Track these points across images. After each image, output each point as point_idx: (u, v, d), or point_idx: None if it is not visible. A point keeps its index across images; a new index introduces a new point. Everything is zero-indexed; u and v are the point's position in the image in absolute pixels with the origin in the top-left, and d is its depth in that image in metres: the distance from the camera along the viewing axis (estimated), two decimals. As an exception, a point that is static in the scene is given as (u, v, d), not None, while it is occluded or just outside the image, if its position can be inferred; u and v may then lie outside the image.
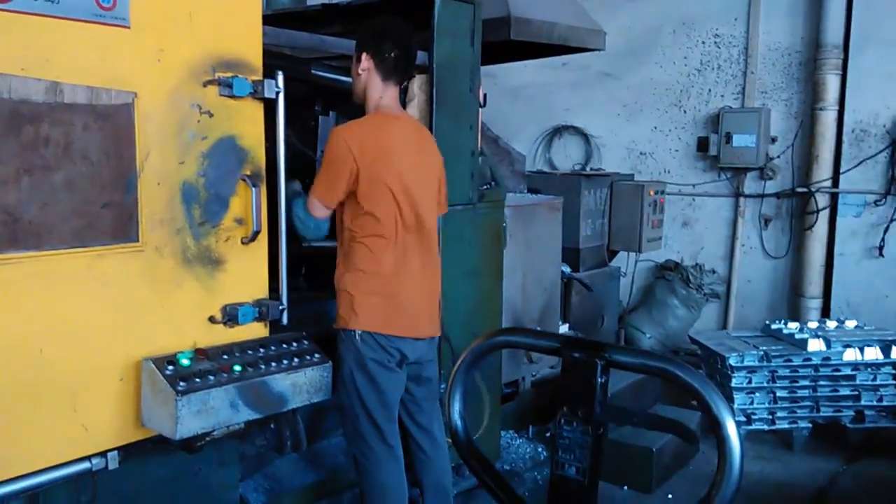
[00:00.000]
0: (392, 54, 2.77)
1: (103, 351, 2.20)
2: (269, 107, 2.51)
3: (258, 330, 2.56)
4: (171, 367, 2.24)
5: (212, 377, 2.28)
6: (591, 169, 6.56)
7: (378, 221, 2.72)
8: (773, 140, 6.12)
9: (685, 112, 6.56)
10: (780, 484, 4.02)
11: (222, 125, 2.40)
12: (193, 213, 2.35)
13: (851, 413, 4.44)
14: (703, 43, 6.42)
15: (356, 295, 2.73)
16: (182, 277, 2.35)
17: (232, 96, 2.37)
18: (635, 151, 6.82)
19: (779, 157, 6.11)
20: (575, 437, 1.21)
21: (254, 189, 2.45)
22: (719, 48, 6.36)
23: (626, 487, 3.87)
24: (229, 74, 2.37)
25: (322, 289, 3.41)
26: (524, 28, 4.29)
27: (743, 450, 1.13)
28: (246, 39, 2.44)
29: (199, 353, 2.34)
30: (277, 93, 2.46)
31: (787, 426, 4.44)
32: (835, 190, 5.76)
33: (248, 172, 2.47)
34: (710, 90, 6.43)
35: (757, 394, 4.41)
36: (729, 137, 6.12)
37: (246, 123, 2.46)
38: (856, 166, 5.65)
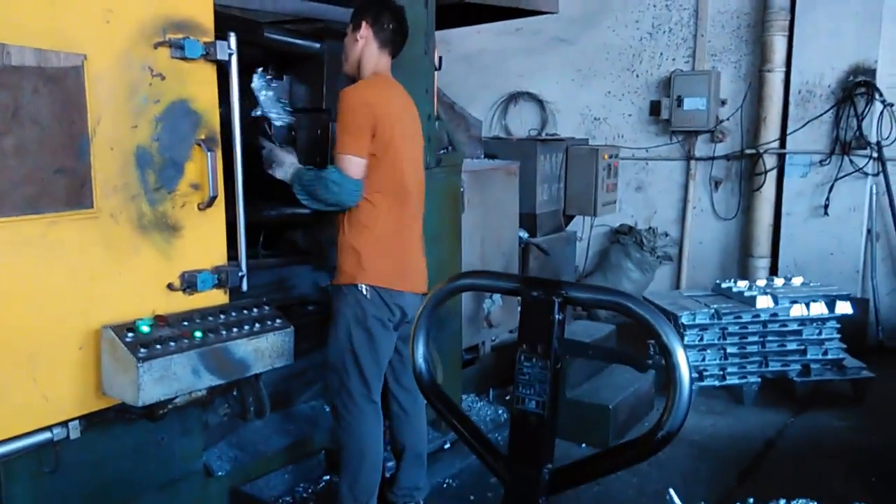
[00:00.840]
0: (390, 26, 2.87)
1: (61, 319, 2.16)
2: (222, 69, 2.47)
3: (218, 297, 2.55)
4: (130, 335, 2.21)
5: (172, 343, 2.26)
6: (547, 134, 6.61)
7: (384, 179, 2.80)
8: (723, 103, 6.24)
9: (637, 76, 6.63)
10: (732, 437, 4.16)
11: (175, 88, 2.35)
12: (148, 179, 2.31)
13: (798, 367, 4.61)
14: (655, 6, 6.47)
15: (363, 251, 2.79)
16: (139, 244, 2.32)
17: (184, 58, 2.33)
18: (589, 117, 6.87)
19: (728, 119, 6.23)
20: (534, 372, 1.25)
21: (209, 153, 2.42)
22: (670, 11, 6.42)
23: (584, 445, 3.96)
24: (180, 36, 2.32)
25: (281, 255, 3.41)
26: (478, -10, 4.26)
27: (692, 375, 1.18)
28: (197, 0, 2.38)
29: (158, 320, 2.32)
30: (230, 55, 2.42)
31: (737, 381, 4.59)
32: (782, 151, 5.90)
33: (203, 136, 2.43)
34: (661, 54, 6.50)
35: (708, 350, 4.55)
36: (680, 101, 6.21)
37: (199, 86, 2.41)
38: (802, 127, 5.78)
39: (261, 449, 3.11)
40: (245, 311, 2.56)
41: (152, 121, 2.30)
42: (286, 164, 2.81)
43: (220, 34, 2.43)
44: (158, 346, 2.23)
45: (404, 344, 2.97)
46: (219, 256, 2.55)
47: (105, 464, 2.47)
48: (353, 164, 2.72)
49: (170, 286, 2.40)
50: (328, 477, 3.26)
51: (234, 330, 2.45)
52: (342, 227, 2.84)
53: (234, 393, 2.77)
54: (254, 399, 2.72)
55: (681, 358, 1.18)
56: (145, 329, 2.26)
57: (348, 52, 2.90)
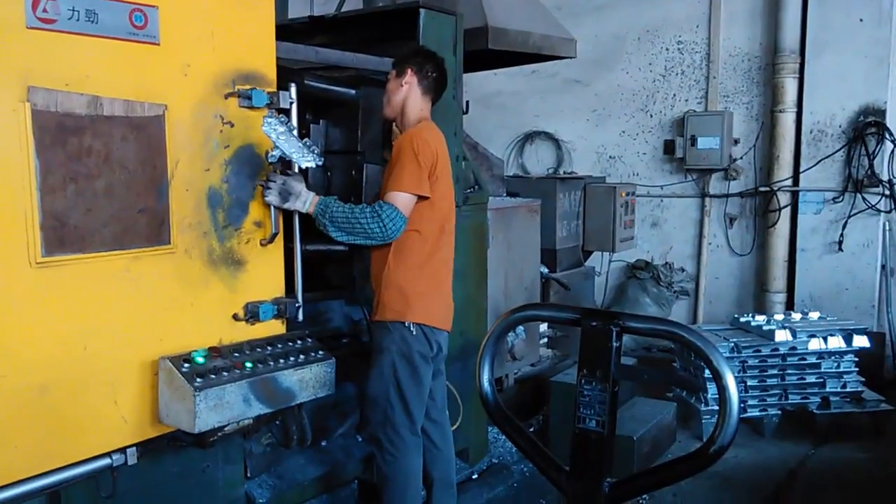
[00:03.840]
0: (433, 74, 3.05)
1: (139, 347, 2.33)
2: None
3: (276, 327, 2.71)
4: (187, 365, 2.34)
5: (226, 373, 2.38)
6: (564, 172, 6.77)
7: (432, 219, 2.94)
8: (736, 142, 6.39)
9: (651, 116, 6.81)
10: (754, 468, 4.22)
11: (242, 134, 2.55)
12: (218, 217, 2.50)
13: (818, 400, 4.68)
14: (667, 49, 6.68)
15: (410, 289, 2.91)
16: (209, 277, 2.49)
17: (251, 107, 2.52)
18: (605, 155, 7.04)
19: (741, 158, 6.38)
20: (594, 394, 1.37)
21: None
22: (682, 54, 6.62)
23: (608, 479, 4.03)
24: (248, 87, 2.52)
25: (315, 290, 3.54)
26: (501, 37, 4.47)
27: (739, 397, 1.29)
28: (261, 54, 2.60)
29: (212, 351, 2.45)
30: (291, 103, 2.64)
31: (758, 413, 4.66)
32: (795, 188, 6.03)
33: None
34: (674, 95, 6.69)
35: (729, 383, 4.62)
36: (694, 140, 6.37)
37: (263, 132, 2.61)
38: (814, 165, 5.92)
39: (298, 478, 3.20)
40: (290, 343, 2.69)
41: (222, 164, 2.50)
42: (302, 195, 2.73)
43: (280, 84, 2.63)
44: (213, 376, 2.35)
45: (433, 378, 3.08)
46: (278, 289, 2.71)
47: (155, 490, 2.58)
48: (407, 201, 2.83)
49: (234, 316, 2.57)
50: (362, 506, 3.36)
51: (281, 361, 2.57)
52: (387, 263, 2.95)
53: (277, 422, 2.88)
54: (297, 428, 2.83)
55: (730, 380, 1.29)
56: (200, 360, 2.39)
57: (391, 96, 3.05)
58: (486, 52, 4.62)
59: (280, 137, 2.55)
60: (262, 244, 2.63)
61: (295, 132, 2.62)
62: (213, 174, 2.47)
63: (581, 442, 1.38)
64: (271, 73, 2.62)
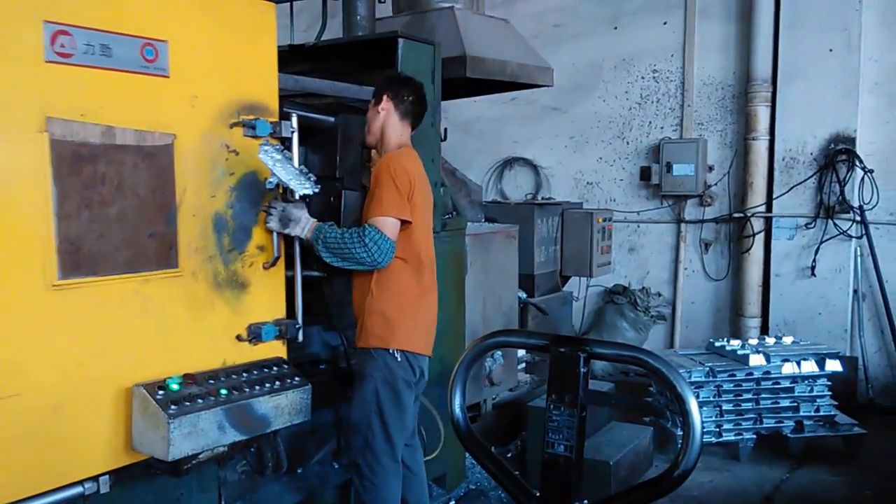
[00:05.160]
0: (409, 98, 3.07)
1: (147, 368, 2.41)
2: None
3: (277, 348, 2.79)
4: (161, 392, 2.34)
5: (200, 400, 2.39)
6: (542, 198, 6.83)
7: (413, 243, 2.95)
8: (711, 168, 6.50)
9: (628, 143, 6.91)
10: (730, 492, 4.26)
11: (246, 162, 2.67)
12: (223, 242, 2.61)
13: (792, 423, 4.73)
14: (643, 78, 6.80)
15: (393, 315, 2.93)
16: (214, 300, 2.60)
17: (254, 136, 2.64)
18: (582, 181, 7.13)
19: (716, 184, 6.49)
20: (562, 419, 1.39)
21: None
22: (658, 83, 6.74)
23: (585, 501, 4.04)
24: (252, 117, 2.65)
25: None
26: (478, 66, 4.54)
27: (702, 421, 1.32)
28: (264, 85, 2.72)
29: (187, 378, 2.45)
30: (292, 132, 2.77)
31: (733, 438, 4.70)
32: (769, 214, 6.14)
33: (267, 204, 2.75)
34: (650, 122, 6.80)
35: (704, 408, 4.66)
36: (669, 167, 6.47)
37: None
38: (787, 192, 6.03)
39: (274, 505, 3.18)
40: (266, 370, 2.70)
41: (227, 191, 2.63)
42: (302, 221, 2.79)
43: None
44: (188, 403, 2.35)
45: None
46: (279, 310, 2.82)
47: (128, 519, 2.55)
48: (391, 226, 2.86)
49: (238, 337, 2.67)
50: (338, 533, 3.34)
51: (257, 388, 2.58)
52: (369, 290, 2.96)
53: (252, 449, 2.87)
54: (272, 455, 2.82)
55: (693, 405, 1.31)
56: (175, 387, 2.39)
57: (371, 123, 3.10)
58: (465, 80, 4.68)
59: (276, 165, 2.60)
60: (264, 267, 2.75)
61: (292, 160, 2.69)
62: (218, 200, 2.59)
63: (550, 466, 1.40)
64: (273, 103, 2.74)
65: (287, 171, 2.64)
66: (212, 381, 2.50)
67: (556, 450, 1.39)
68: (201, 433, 2.36)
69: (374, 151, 3.21)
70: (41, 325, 2.14)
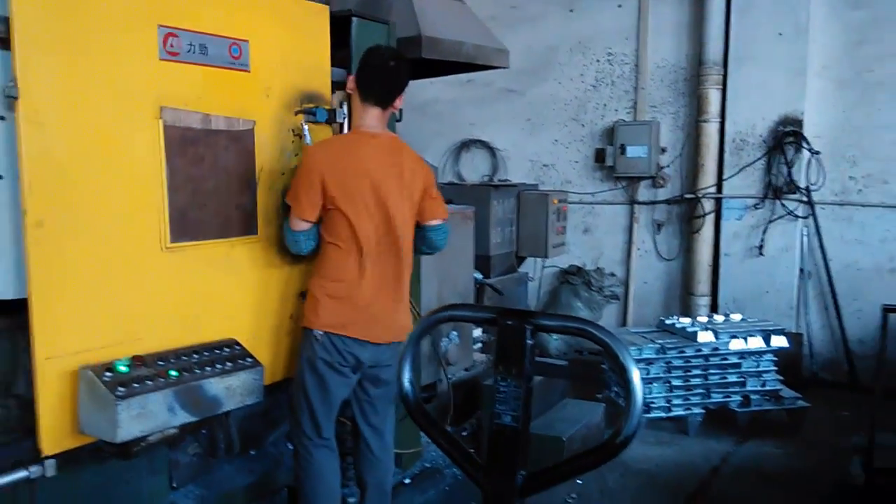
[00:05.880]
0: (369, 77, 2.93)
1: (237, 322, 2.88)
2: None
3: None
4: (109, 374, 2.32)
5: (149, 382, 2.37)
6: (498, 180, 6.87)
7: (345, 230, 2.87)
8: (663, 150, 6.60)
9: (583, 126, 6.97)
10: (679, 465, 4.37)
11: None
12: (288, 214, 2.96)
13: (739, 398, 4.87)
14: (598, 61, 6.86)
15: (319, 297, 2.90)
16: (282, 263, 3.06)
17: (314, 122, 3.10)
18: (538, 163, 7.18)
19: (668, 166, 6.59)
20: (509, 390, 1.42)
21: None
22: (612, 66, 6.81)
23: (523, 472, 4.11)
24: (312, 105, 3.09)
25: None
26: (434, 47, 4.52)
27: (643, 390, 1.36)
28: (320, 77, 3.18)
29: (135, 360, 2.43)
30: (344, 117, 3.20)
31: (682, 413, 4.82)
32: (719, 195, 6.26)
33: None
34: (605, 105, 6.87)
35: (654, 384, 4.77)
36: (623, 149, 6.55)
37: None
38: (737, 173, 6.15)
39: (226, 488, 3.17)
40: (217, 351, 2.69)
41: (292, 170, 3.03)
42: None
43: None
44: (136, 385, 2.33)
45: (372, 385, 3.07)
46: None
47: (76, 503, 2.54)
48: (293, 221, 2.90)
49: (301, 295, 3.06)
50: (292, 513, 3.35)
51: (207, 368, 2.57)
52: (312, 272, 3.00)
53: (204, 431, 2.86)
54: (224, 436, 2.82)
55: (634, 375, 1.35)
56: (123, 368, 2.37)
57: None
58: (421, 61, 4.66)
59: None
60: None
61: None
62: (286, 177, 3.03)
63: (497, 437, 1.43)
64: (328, 93, 3.21)
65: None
66: (161, 363, 2.49)
67: (504, 420, 1.42)
68: (150, 415, 2.35)
69: None
70: (157, 281, 2.58)
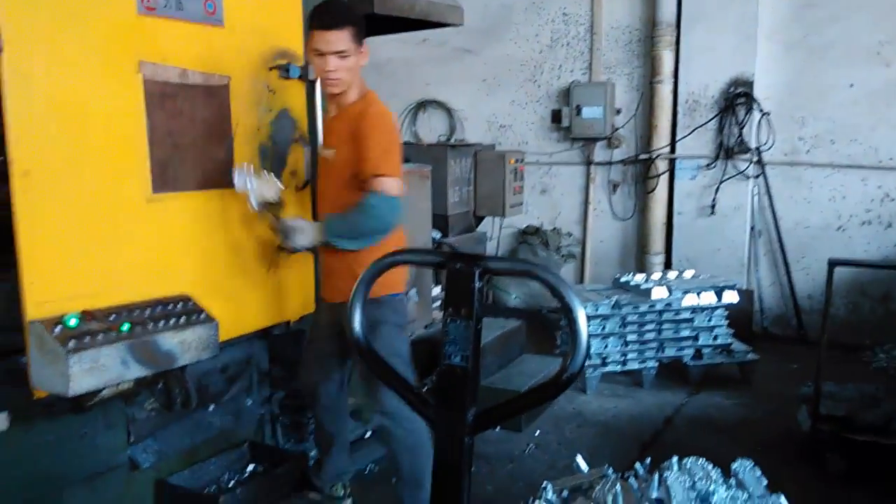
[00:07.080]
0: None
1: (214, 271, 2.94)
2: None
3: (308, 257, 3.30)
4: (58, 328, 2.28)
5: (101, 335, 2.34)
6: (456, 140, 6.86)
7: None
8: (618, 112, 6.65)
9: (539, 86, 6.98)
10: (634, 416, 4.48)
11: (281, 100, 3.17)
12: (266, 168, 3.05)
13: (691, 352, 5.00)
14: (553, 21, 6.85)
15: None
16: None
17: (287, 78, 3.10)
18: (495, 124, 7.18)
19: (623, 127, 6.65)
20: (458, 332, 1.43)
21: (306, 148, 3.26)
22: (567, 26, 6.81)
23: (498, 428, 4.18)
24: (285, 62, 3.11)
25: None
26: (386, 2, 4.46)
27: (588, 329, 1.38)
28: (292, 34, 3.19)
29: (85, 315, 2.39)
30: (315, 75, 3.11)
31: (637, 366, 4.93)
32: (672, 156, 6.35)
33: (297, 136, 3.25)
34: (560, 66, 6.88)
35: (610, 339, 4.87)
36: (579, 110, 6.59)
37: (295, 99, 3.24)
38: (689, 134, 6.24)
39: (186, 442, 3.16)
40: (171, 306, 2.66)
41: (268, 125, 3.13)
42: (307, 230, 2.83)
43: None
44: (87, 339, 2.30)
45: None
46: None
47: (29, 458, 2.50)
48: (392, 184, 2.78)
49: (279, 247, 3.02)
50: (252, 466, 3.34)
51: (161, 323, 2.54)
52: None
53: (160, 386, 2.84)
54: (180, 391, 2.80)
55: (580, 314, 1.37)
56: (73, 323, 2.33)
57: (343, 71, 2.85)
58: (373, 18, 4.59)
59: (249, 186, 2.84)
60: (297, 189, 3.25)
61: (250, 169, 2.87)
62: (262, 132, 3.10)
63: (447, 376, 1.44)
64: (300, 50, 3.21)
65: (262, 185, 2.87)
66: (113, 317, 2.45)
67: (453, 360, 1.43)
68: (103, 368, 2.32)
69: (332, 102, 2.98)
70: (140, 231, 2.63)
